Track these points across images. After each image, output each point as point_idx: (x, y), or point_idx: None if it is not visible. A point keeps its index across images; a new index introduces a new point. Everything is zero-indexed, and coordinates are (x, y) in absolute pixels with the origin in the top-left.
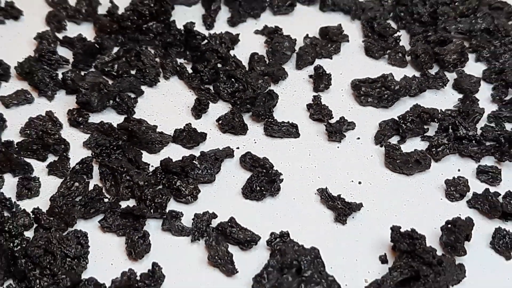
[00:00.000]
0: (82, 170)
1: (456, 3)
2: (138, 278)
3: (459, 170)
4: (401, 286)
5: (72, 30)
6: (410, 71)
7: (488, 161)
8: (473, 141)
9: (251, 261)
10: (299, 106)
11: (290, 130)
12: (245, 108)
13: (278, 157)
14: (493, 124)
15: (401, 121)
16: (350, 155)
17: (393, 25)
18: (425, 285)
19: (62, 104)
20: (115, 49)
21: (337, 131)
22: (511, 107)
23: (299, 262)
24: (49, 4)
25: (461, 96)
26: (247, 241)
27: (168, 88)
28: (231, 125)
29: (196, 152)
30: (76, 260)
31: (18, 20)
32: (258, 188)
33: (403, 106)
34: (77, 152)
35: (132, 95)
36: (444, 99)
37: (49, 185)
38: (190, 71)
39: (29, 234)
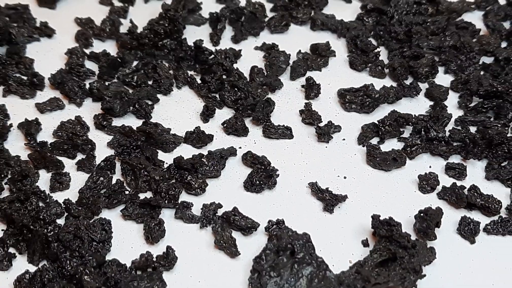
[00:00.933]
0: (106, 167)
1: (428, 23)
2: (154, 259)
3: (430, 167)
4: (381, 266)
5: (98, 46)
6: (388, 82)
7: (455, 159)
8: (442, 142)
9: (251, 245)
10: (292, 111)
11: (285, 132)
12: (246, 114)
13: (274, 156)
14: (459, 127)
15: (381, 125)
16: (337, 154)
17: (374, 42)
18: (401, 265)
19: (89, 110)
20: (135, 63)
21: (325, 133)
22: (475, 113)
23: (292, 246)
24: (78, 24)
25: (432, 103)
26: (248, 227)
27: (180, 96)
28: (234, 128)
29: (204, 151)
30: (101, 244)
31: (51, 38)
32: (257, 182)
33: (382, 111)
34: (102, 151)
35: (149, 102)
36: (417, 106)
37: (78, 179)
38: (199, 81)
39: (60, 221)
